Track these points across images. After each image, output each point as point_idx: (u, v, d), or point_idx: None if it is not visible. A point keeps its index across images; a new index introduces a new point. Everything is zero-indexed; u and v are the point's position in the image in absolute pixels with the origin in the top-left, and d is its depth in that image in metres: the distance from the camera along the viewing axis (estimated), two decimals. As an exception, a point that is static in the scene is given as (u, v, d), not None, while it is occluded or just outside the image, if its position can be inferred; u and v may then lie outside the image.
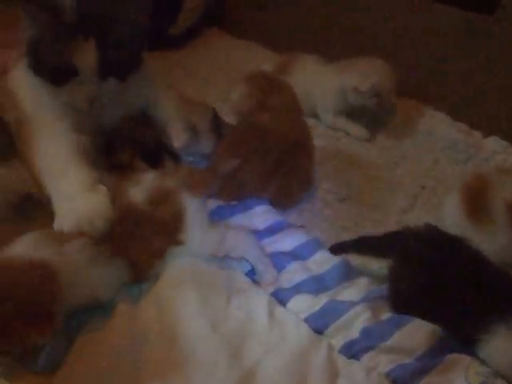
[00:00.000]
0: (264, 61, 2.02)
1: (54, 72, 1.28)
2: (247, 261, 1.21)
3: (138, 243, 1.12)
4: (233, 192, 1.37)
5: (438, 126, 1.78)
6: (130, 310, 1.09)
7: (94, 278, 1.06)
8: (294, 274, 1.21)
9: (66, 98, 1.30)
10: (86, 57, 1.25)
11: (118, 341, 1.04)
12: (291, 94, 1.50)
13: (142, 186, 1.18)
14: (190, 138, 1.39)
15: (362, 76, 1.70)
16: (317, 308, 1.13)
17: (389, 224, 1.40)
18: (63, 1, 1.28)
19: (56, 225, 1.12)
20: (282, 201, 1.39)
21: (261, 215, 1.34)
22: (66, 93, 1.29)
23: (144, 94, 1.45)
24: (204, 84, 1.98)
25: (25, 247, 1.04)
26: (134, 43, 1.34)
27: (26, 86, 1.37)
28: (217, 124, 1.47)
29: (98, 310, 1.09)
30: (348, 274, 1.22)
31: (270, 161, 1.38)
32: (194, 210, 1.19)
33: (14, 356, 0.97)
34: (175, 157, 1.39)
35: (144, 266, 1.13)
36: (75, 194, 1.16)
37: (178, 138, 1.39)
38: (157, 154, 1.38)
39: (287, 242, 1.28)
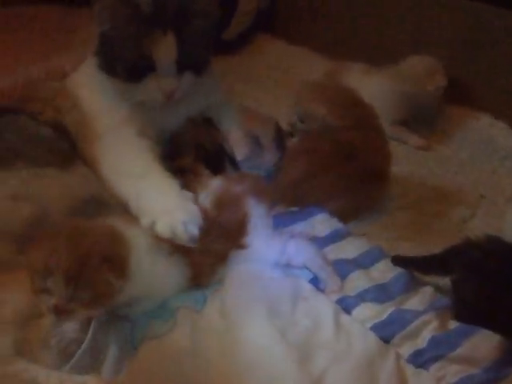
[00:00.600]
0: (317, 67, 2.02)
1: (131, 67, 1.27)
2: (309, 269, 1.21)
3: (202, 246, 1.12)
4: (294, 201, 1.39)
5: (496, 135, 1.75)
6: (194, 316, 1.09)
7: (152, 269, 1.05)
8: (358, 282, 1.20)
9: (141, 95, 1.30)
10: (166, 50, 1.25)
11: (181, 347, 1.05)
12: (377, 117, 1.47)
13: (209, 191, 1.20)
14: (253, 151, 1.38)
15: (429, 75, 1.73)
16: (383, 317, 1.12)
17: (449, 233, 1.39)
18: None
19: (145, 223, 1.11)
20: (343, 217, 1.37)
21: (322, 223, 1.34)
22: (142, 89, 1.29)
23: (208, 96, 1.44)
24: (258, 89, 1.99)
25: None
26: (208, 36, 1.34)
27: (91, 87, 1.37)
28: (280, 137, 1.45)
29: (162, 315, 1.09)
30: (412, 283, 1.21)
31: (342, 183, 1.38)
32: (258, 216, 1.20)
33: (84, 303, 0.96)
34: (236, 163, 1.39)
35: (207, 270, 1.14)
36: (166, 198, 1.16)
37: (240, 151, 1.37)
38: (219, 159, 1.39)
39: (349, 250, 1.28)
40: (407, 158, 1.68)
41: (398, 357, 1.06)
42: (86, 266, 0.94)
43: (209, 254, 1.13)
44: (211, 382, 1.01)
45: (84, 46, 1.81)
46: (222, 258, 1.16)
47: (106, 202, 1.27)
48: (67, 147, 1.32)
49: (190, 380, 1.01)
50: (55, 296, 0.94)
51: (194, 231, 1.10)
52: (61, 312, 0.96)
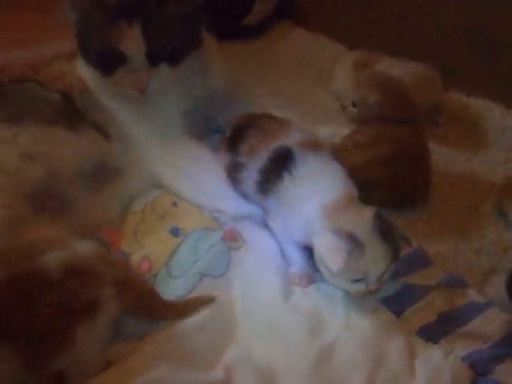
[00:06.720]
0: (337, 56, 2.03)
1: (103, 59, 1.23)
2: None
3: None
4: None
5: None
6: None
7: None
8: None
9: (114, 88, 1.26)
10: (133, 43, 1.18)
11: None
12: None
13: None
14: (351, 255, 1.00)
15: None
16: (393, 291, 1.14)
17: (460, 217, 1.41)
18: None
19: None
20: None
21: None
22: (115, 82, 1.24)
23: (210, 81, 1.40)
24: (277, 75, 1.99)
25: None
26: (190, 24, 1.26)
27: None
28: (383, 225, 1.05)
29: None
30: (423, 261, 1.22)
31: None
32: None
33: None
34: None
35: None
36: None
37: (334, 260, 1.01)
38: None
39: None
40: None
41: (408, 330, 1.08)
42: None
43: None
44: (230, 340, 1.04)
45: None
46: None
47: (114, 165, 1.29)
48: (75, 114, 1.29)
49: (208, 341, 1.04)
50: None
51: None
52: None
